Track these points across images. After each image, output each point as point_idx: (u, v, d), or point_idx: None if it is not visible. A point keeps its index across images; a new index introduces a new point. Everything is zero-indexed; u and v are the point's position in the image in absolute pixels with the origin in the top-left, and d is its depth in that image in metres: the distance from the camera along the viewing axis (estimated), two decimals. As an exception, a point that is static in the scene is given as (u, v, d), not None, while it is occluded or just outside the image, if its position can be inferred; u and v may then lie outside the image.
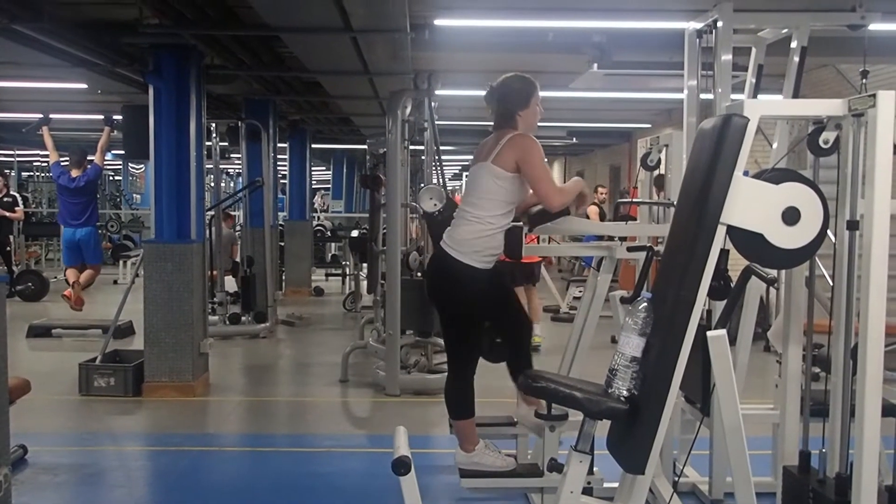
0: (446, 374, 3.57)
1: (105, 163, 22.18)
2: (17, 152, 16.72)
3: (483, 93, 3.47)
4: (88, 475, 4.37)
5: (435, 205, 4.18)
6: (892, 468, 2.69)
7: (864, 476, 2.38)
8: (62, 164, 8.15)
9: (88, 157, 8.19)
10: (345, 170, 21.27)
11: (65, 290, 8.12)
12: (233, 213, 12.27)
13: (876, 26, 4.12)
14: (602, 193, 11.31)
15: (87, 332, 8.04)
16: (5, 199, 10.89)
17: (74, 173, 8.06)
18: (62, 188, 8.13)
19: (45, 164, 19.91)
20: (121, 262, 13.25)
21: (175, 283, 5.82)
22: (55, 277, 11.74)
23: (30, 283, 10.58)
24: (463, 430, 3.46)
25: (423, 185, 6.40)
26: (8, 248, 10.98)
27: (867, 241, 2.39)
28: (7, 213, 10.76)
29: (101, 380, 5.85)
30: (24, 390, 4.23)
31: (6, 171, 16.36)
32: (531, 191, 3.36)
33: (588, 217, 8.49)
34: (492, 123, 3.45)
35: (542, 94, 3.42)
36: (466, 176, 3.48)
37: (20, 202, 11.58)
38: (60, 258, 13.86)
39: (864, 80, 3.96)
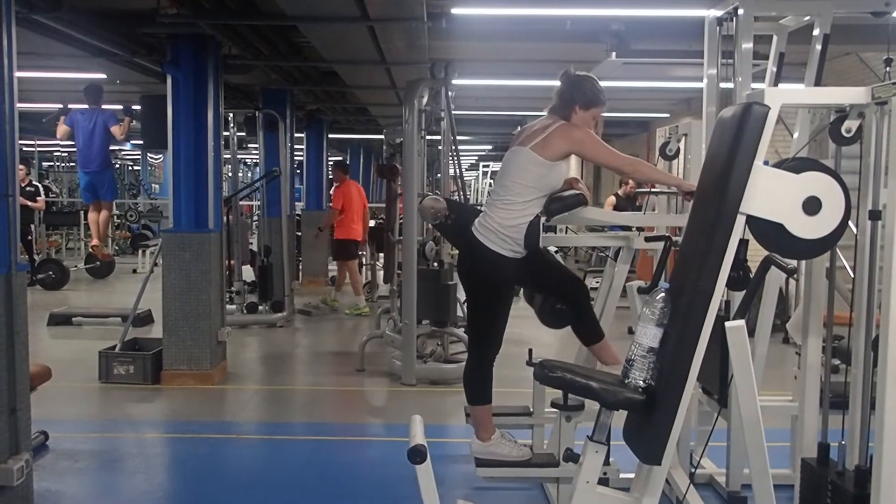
0: (465, 360, 3.58)
1: (123, 153, 21.97)
2: (39, 142, 16.86)
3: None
4: (108, 461, 4.43)
5: (444, 215, 3.92)
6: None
7: (884, 469, 2.35)
8: (71, 109, 8.13)
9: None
10: (361, 159, 21.26)
11: (92, 242, 8.65)
12: (250, 202, 12.32)
13: (900, 13, 4.05)
14: (632, 187, 11.01)
15: (106, 320, 8.15)
16: (27, 189, 10.99)
17: (89, 107, 7.98)
18: (78, 131, 7.98)
19: (66, 155, 20.14)
20: (139, 252, 13.36)
21: (193, 272, 5.86)
22: (75, 266, 11.86)
23: (50, 272, 10.73)
24: (480, 417, 3.46)
25: (438, 174, 6.34)
26: (29, 238, 11.10)
27: (889, 231, 2.35)
28: (29, 203, 10.86)
29: (120, 367, 5.92)
30: (45, 377, 4.30)
31: (28, 160, 16.52)
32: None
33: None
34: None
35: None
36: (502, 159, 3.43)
37: (42, 192, 11.69)
38: (80, 245, 14.08)
39: (887, 69, 3.89)
